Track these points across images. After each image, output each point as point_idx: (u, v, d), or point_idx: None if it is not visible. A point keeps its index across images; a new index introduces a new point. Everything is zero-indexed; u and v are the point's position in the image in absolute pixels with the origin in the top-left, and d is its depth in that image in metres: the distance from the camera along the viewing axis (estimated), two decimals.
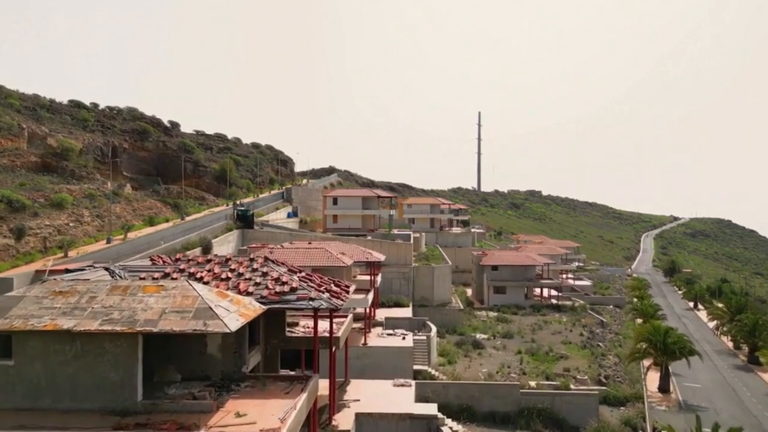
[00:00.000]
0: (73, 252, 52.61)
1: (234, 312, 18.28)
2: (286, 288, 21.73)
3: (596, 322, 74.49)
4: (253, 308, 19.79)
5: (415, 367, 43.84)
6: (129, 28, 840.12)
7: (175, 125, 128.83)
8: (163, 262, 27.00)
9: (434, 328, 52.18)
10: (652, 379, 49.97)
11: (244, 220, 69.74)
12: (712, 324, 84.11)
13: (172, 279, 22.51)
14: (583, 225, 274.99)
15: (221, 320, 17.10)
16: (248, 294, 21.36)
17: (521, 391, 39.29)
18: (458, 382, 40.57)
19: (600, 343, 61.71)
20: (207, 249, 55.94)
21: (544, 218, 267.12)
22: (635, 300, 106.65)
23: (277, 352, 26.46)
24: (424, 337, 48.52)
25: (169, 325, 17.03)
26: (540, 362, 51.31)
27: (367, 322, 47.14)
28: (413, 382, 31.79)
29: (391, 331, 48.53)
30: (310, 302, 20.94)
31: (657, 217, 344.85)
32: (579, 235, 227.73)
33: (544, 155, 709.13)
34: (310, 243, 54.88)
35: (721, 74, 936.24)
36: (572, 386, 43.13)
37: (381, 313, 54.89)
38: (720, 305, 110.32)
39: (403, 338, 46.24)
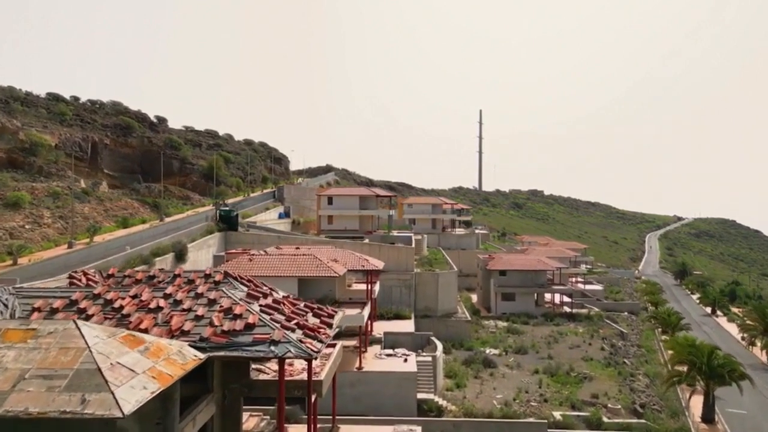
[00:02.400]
0: (24, 259, 45.74)
1: (143, 373, 11.50)
2: (238, 325, 14.95)
3: (616, 333, 67.68)
4: (181, 361, 13.00)
5: (419, 395, 37.21)
6: (126, 26, 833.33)
7: (162, 120, 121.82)
8: (88, 280, 20.26)
9: (440, 346, 45.44)
10: (694, 405, 43.20)
11: (228, 222, 62.84)
12: (739, 335, 77.35)
13: (79, 310, 15.76)
14: (586, 225, 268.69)
15: (111, 394, 10.32)
16: (182, 334, 14.60)
17: (549, 430, 32.58)
18: (472, 420, 33.70)
19: (625, 360, 54.91)
20: (181, 255, 49.19)
21: (547, 218, 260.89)
22: (650, 306, 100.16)
23: (238, 400, 19.76)
24: (429, 358, 41.73)
25: (24, 402, 10.27)
26: (561, 385, 44.47)
27: (362, 339, 40.50)
28: (419, 429, 25.13)
29: (390, 351, 41.88)
30: (271, 348, 14.20)
31: (660, 217, 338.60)
32: (583, 236, 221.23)
33: (545, 155, 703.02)
34: (297, 248, 48.21)
35: (721, 74, 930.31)
36: (605, 418, 36.46)
37: (379, 327, 48.28)
38: (736, 310, 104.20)
39: (405, 360, 39.60)
